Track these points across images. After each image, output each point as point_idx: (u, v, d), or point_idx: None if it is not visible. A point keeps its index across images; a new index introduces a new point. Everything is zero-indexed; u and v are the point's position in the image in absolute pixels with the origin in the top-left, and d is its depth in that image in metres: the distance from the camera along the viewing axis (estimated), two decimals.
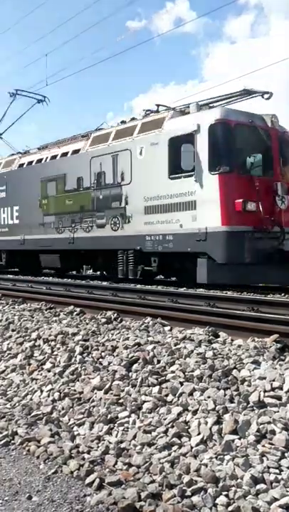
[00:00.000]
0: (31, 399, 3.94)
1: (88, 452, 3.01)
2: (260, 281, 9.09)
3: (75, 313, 6.03)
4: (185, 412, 3.07)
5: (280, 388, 2.99)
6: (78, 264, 13.48)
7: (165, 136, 9.50)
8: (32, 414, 3.64)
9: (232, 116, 8.93)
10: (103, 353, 4.25)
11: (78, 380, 3.95)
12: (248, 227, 8.51)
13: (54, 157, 13.01)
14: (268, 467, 2.46)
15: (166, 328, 4.71)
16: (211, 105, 9.84)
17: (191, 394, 3.22)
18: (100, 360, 4.16)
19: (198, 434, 2.85)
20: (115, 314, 5.47)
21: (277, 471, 2.44)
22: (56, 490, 2.68)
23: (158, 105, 10.45)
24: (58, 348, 4.66)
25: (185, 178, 9.04)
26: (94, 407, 3.48)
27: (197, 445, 2.78)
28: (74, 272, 14.40)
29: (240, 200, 8.39)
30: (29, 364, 4.59)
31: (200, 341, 4.00)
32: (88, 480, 2.71)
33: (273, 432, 2.65)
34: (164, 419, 3.08)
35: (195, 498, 2.40)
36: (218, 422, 2.88)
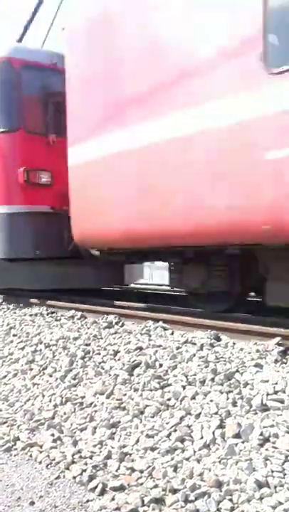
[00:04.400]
0: (33, 404, 3.93)
1: (91, 457, 2.99)
2: (72, 284, 7.16)
3: (76, 317, 6.02)
4: (188, 416, 3.06)
5: (283, 391, 2.98)
6: None
7: None
8: (34, 420, 3.63)
9: (20, 54, 6.89)
10: (105, 358, 4.24)
11: (80, 385, 3.94)
12: (41, 207, 6.77)
13: None
14: (272, 471, 2.44)
15: (168, 332, 4.70)
16: None
17: (193, 398, 3.20)
18: (102, 364, 4.15)
19: (201, 438, 2.84)
20: (116, 318, 5.46)
21: (281, 474, 2.42)
22: (59, 495, 2.67)
23: None
24: (60, 353, 4.64)
25: None
26: (96, 411, 3.47)
27: (200, 449, 2.77)
28: None
29: (22, 169, 6.66)
30: (31, 369, 4.58)
31: (202, 345, 3.99)
32: (91, 485, 2.70)
33: (276, 436, 2.64)
34: (167, 423, 3.06)
35: (198, 503, 2.39)
36: (221, 425, 2.86)
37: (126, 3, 5.45)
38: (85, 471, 2.84)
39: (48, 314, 6.49)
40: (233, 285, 5.35)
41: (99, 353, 4.36)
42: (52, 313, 6.53)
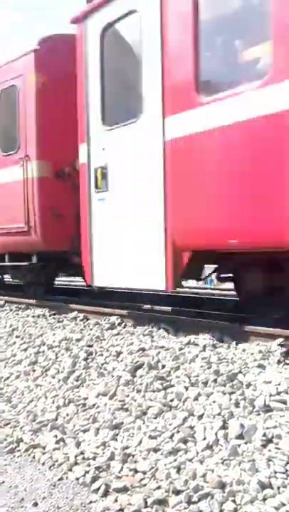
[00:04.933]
0: (36, 405, 3.94)
1: (94, 458, 2.99)
2: None
3: (79, 318, 6.02)
4: (190, 417, 3.06)
5: (286, 392, 2.97)
6: None
7: None
8: (37, 421, 3.64)
9: None
10: (107, 359, 4.24)
11: (83, 386, 3.94)
12: None
13: None
14: (275, 472, 2.44)
15: (171, 333, 4.70)
16: None
17: (196, 399, 3.20)
18: (105, 365, 4.15)
19: (204, 439, 2.84)
20: (119, 319, 5.46)
21: (284, 475, 2.42)
22: (62, 497, 2.67)
23: None
24: (62, 354, 4.65)
25: None
26: (99, 412, 3.47)
27: (203, 450, 2.76)
28: None
29: None
30: (33, 370, 4.58)
31: (204, 346, 3.99)
32: (94, 486, 2.70)
33: (279, 437, 2.63)
34: (170, 424, 3.06)
35: (202, 504, 2.38)
36: (224, 426, 2.86)
37: None
38: (88, 472, 2.84)
39: (50, 316, 6.50)
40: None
41: (101, 354, 4.36)
42: (54, 314, 6.54)
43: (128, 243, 4.94)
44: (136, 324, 5.24)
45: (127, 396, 3.53)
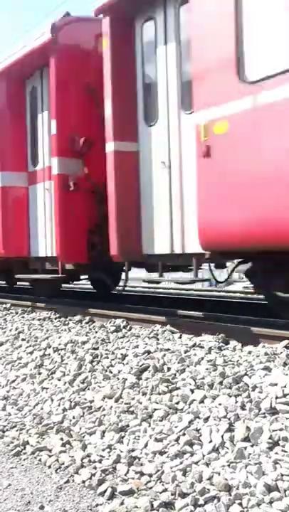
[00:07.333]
0: (42, 408, 3.94)
1: (100, 461, 3.00)
2: None
3: (84, 321, 6.03)
4: (196, 420, 3.05)
5: None
6: None
7: None
8: (43, 424, 3.64)
9: None
10: (113, 361, 4.24)
11: (88, 389, 3.94)
12: None
13: None
14: (282, 475, 2.43)
15: (176, 336, 4.70)
16: None
17: (202, 401, 3.20)
18: (110, 368, 4.15)
19: (210, 441, 2.83)
20: (124, 322, 5.47)
21: None
22: (68, 499, 2.67)
23: None
24: (68, 357, 4.66)
25: None
26: (105, 415, 3.47)
27: (209, 453, 2.76)
28: None
29: None
30: (39, 373, 4.59)
31: (210, 348, 3.98)
32: (100, 489, 2.70)
33: (286, 439, 2.62)
34: (176, 427, 3.06)
35: (208, 507, 2.38)
36: (230, 429, 2.86)
37: None
38: (94, 475, 2.84)
39: (56, 318, 6.52)
40: None
41: (107, 357, 4.36)
42: (60, 317, 6.55)
43: None
44: (141, 327, 5.25)
45: (133, 399, 3.53)
